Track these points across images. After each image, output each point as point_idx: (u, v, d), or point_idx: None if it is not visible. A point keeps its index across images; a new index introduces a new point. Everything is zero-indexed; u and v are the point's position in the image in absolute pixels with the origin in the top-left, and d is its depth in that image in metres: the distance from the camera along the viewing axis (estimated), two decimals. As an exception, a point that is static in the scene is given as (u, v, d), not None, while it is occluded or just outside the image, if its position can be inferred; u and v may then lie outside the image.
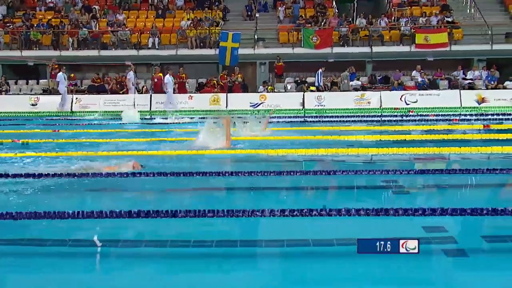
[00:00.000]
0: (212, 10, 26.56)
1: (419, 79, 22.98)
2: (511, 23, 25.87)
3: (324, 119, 18.18)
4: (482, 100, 20.45)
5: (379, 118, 18.58)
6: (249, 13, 26.91)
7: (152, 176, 7.52)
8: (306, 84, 23.47)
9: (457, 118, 15.67)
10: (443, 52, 24.14)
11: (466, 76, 23.15)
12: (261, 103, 21.59)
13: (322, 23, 25.29)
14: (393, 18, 25.99)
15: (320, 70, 22.88)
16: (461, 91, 21.16)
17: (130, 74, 22.24)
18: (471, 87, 22.24)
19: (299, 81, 23.68)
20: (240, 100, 21.80)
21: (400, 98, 21.02)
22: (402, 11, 26.17)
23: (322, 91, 22.36)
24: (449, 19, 25.05)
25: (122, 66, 23.68)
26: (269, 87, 23.36)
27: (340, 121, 17.43)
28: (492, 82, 22.41)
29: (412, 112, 18.74)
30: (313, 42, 24.09)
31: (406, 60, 24.38)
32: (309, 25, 25.14)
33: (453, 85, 22.69)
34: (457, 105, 20.46)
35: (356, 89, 22.77)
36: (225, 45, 23.09)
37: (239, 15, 27.28)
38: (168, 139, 11.98)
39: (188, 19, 25.77)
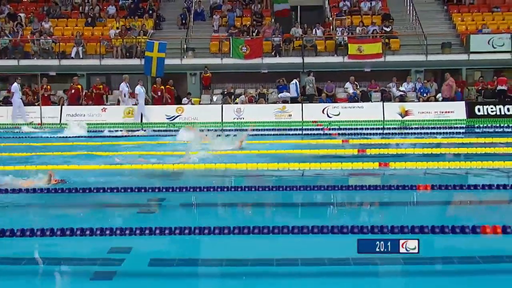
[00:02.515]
0: (143, 19, 25.46)
1: (351, 91, 21.92)
2: (454, 33, 24.89)
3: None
4: (406, 113, 19.41)
5: (298, 132, 17.55)
6: (183, 21, 25.84)
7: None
8: (233, 96, 22.40)
9: (328, 128, 14.55)
10: (379, 63, 23.11)
11: (399, 88, 22.10)
12: (178, 115, 20.53)
13: (254, 33, 24.22)
14: (330, 27, 24.96)
15: (295, 81, 21.85)
16: (384, 104, 20.13)
17: (122, 86, 21.18)
18: (402, 99, 21.18)
19: (225, 92, 22.59)
20: (155, 113, 20.70)
21: (323, 111, 19.93)
22: (341, 20, 25.11)
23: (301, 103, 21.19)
24: (387, 29, 24.02)
25: (44, 76, 22.58)
26: (194, 99, 22.29)
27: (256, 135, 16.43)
28: (425, 95, 21.33)
29: (320, 125, 17.64)
30: (243, 52, 23.02)
31: (343, 71, 23.31)
32: (241, 34, 24.09)
33: (385, 97, 21.67)
34: (380, 118, 19.39)
35: (285, 102, 21.73)
36: (150, 55, 22.03)
37: (174, 24, 26.22)
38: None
39: (117, 28, 24.71)
